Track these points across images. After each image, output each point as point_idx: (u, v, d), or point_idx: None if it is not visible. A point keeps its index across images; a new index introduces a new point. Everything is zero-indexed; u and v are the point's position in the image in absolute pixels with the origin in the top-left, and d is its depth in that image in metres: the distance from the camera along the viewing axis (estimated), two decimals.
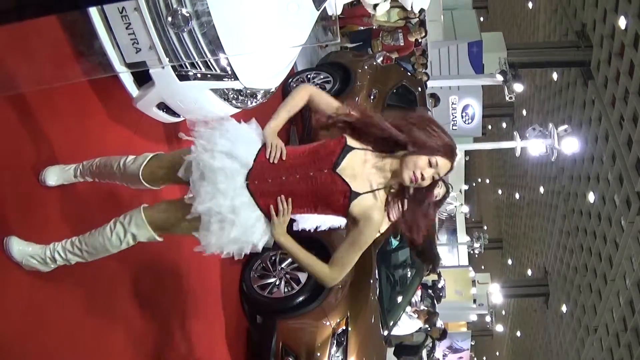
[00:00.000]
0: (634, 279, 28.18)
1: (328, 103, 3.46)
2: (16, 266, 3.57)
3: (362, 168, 3.33)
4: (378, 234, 3.58)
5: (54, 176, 3.90)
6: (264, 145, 3.44)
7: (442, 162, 3.24)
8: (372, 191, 3.33)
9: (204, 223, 3.34)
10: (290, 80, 9.26)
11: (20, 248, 3.56)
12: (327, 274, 3.49)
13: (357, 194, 3.30)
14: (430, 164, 3.22)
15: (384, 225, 3.62)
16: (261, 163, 3.39)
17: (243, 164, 3.37)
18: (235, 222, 3.33)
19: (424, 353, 12.87)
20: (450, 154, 3.27)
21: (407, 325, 11.50)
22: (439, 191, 5.46)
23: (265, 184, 3.37)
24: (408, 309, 11.37)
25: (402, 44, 13.14)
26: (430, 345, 13.18)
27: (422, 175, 3.21)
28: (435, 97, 14.17)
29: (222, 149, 3.35)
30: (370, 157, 3.36)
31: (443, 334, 13.21)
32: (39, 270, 3.63)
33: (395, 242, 8.44)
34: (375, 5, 11.32)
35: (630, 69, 26.61)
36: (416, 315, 12.02)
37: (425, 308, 12.87)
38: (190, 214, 3.34)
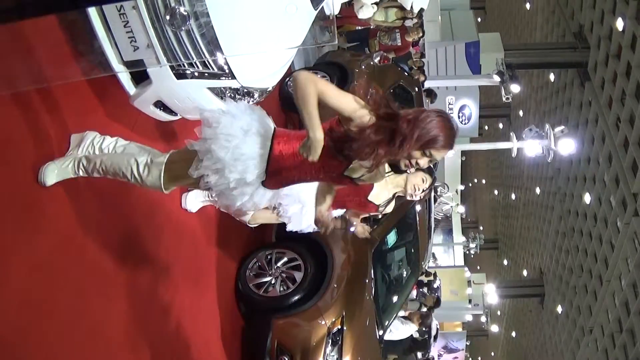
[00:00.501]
0: (629, 280, 28.26)
1: (341, 107, 3.39)
2: (13, 258, 3.59)
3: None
4: None
5: (51, 174, 3.89)
6: (270, 156, 3.59)
7: (437, 153, 3.37)
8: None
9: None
10: (287, 79, 9.26)
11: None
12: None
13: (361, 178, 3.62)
14: (424, 155, 3.36)
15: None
16: (274, 173, 3.62)
17: (256, 182, 3.63)
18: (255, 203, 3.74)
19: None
20: (446, 147, 3.38)
21: (400, 331, 11.46)
22: (424, 185, 5.59)
23: (279, 185, 3.76)
24: (401, 312, 11.32)
25: (399, 44, 13.15)
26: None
27: (417, 162, 3.39)
28: (432, 95, 14.21)
29: (233, 178, 3.55)
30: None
31: (437, 302, 13.10)
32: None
33: (391, 242, 8.44)
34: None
35: (627, 71, 26.67)
36: (410, 319, 11.94)
37: (422, 305, 12.79)
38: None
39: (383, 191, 5.81)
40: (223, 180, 3.52)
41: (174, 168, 3.77)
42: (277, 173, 3.59)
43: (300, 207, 4.91)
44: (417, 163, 3.36)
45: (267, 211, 5.58)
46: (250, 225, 6.42)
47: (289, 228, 5.47)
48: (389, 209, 6.15)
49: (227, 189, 3.55)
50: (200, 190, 5.14)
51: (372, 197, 5.80)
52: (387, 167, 3.70)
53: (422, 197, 6.03)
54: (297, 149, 3.49)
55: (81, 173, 3.93)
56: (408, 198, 5.92)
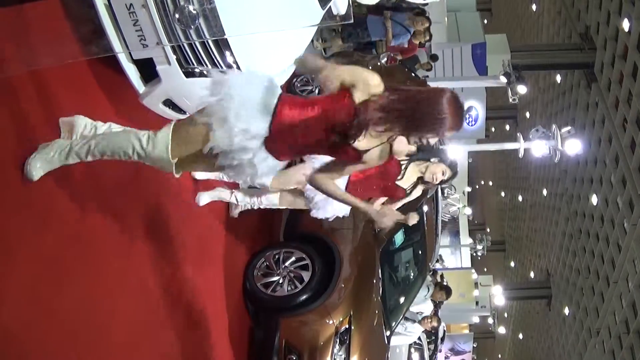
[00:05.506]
0: (636, 282, 28.17)
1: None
2: (20, 252, 3.62)
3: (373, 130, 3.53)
4: None
5: (37, 170, 3.74)
6: (275, 112, 3.59)
7: (448, 134, 3.50)
8: (381, 144, 3.61)
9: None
10: (295, 80, 9.27)
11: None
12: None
13: (367, 151, 3.58)
14: (436, 135, 3.51)
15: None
16: (277, 131, 3.58)
17: (259, 135, 3.56)
18: (257, 173, 3.67)
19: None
20: (457, 129, 3.51)
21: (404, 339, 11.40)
22: (443, 177, 5.72)
23: (283, 146, 3.66)
24: (409, 324, 11.23)
25: (406, 46, 13.14)
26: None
27: (427, 141, 3.52)
28: (434, 58, 14.60)
29: (239, 128, 3.49)
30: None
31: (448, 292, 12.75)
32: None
33: (398, 242, 8.45)
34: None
35: (633, 72, 26.59)
36: (420, 318, 11.80)
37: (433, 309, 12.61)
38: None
39: (412, 175, 5.95)
40: (228, 143, 3.48)
41: (180, 136, 3.66)
42: (281, 133, 3.58)
43: None
44: (428, 142, 3.49)
45: (294, 194, 5.65)
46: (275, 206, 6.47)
47: (313, 214, 5.56)
48: (416, 193, 6.21)
49: (231, 147, 3.50)
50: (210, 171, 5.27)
51: (400, 182, 5.90)
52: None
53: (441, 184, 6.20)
54: (301, 113, 3.60)
55: (71, 161, 3.78)
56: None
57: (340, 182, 5.22)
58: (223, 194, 6.29)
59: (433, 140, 3.49)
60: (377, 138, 3.55)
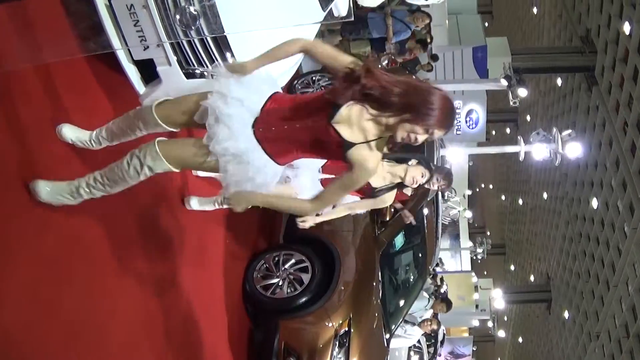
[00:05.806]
0: (636, 285, 28.16)
1: (334, 57, 3.53)
2: (22, 253, 3.61)
3: (358, 119, 3.44)
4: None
5: (69, 131, 4.04)
6: (271, 96, 3.64)
7: (437, 131, 3.37)
8: (367, 142, 3.46)
9: (222, 164, 3.54)
10: (296, 81, 9.28)
11: (47, 189, 3.75)
12: (307, 207, 3.78)
13: (352, 144, 3.45)
14: (426, 132, 3.36)
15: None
16: (267, 112, 3.60)
17: (252, 112, 3.57)
18: (250, 162, 3.53)
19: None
20: (446, 128, 3.39)
21: (404, 342, 11.36)
22: (422, 180, 5.55)
23: (269, 132, 3.57)
24: (409, 327, 11.19)
25: (407, 57, 13.13)
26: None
27: (415, 138, 3.38)
28: (435, 58, 14.51)
29: (236, 96, 3.50)
30: (368, 109, 3.43)
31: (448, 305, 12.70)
32: (68, 205, 3.82)
33: (399, 245, 8.44)
34: None
35: (634, 75, 26.58)
36: (420, 320, 11.75)
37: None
38: (206, 154, 3.54)
39: (378, 178, 5.68)
40: (223, 104, 3.48)
41: (176, 100, 3.78)
42: (268, 115, 3.59)
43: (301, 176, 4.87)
44: (416, 139, 3.37)
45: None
46: None
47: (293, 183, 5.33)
48: (389, 199, 5.96)
49: (225, 116, 3.48)
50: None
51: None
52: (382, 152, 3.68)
53: (419, 189, 5.99)
54: (291, 100, 3.64)
55: (93, 136, 4.05)
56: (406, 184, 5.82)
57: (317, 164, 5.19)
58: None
59: (421, 138, 3.36)
60: (361, 131, 3.45)
